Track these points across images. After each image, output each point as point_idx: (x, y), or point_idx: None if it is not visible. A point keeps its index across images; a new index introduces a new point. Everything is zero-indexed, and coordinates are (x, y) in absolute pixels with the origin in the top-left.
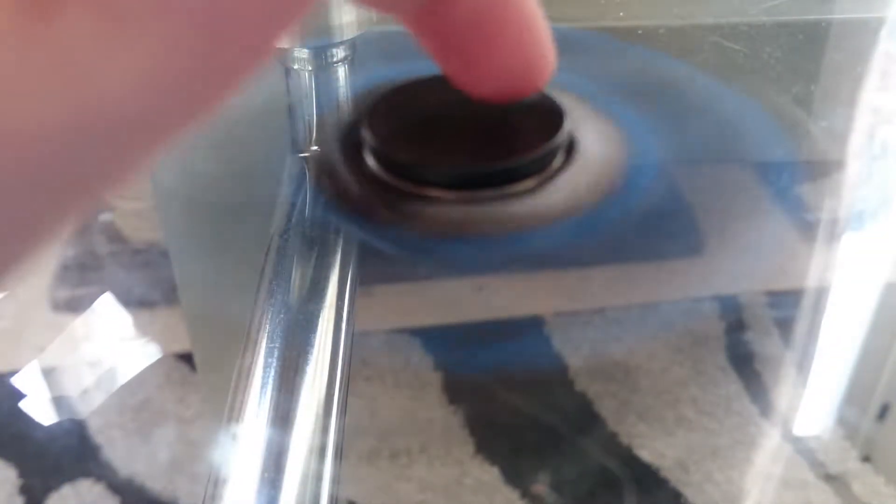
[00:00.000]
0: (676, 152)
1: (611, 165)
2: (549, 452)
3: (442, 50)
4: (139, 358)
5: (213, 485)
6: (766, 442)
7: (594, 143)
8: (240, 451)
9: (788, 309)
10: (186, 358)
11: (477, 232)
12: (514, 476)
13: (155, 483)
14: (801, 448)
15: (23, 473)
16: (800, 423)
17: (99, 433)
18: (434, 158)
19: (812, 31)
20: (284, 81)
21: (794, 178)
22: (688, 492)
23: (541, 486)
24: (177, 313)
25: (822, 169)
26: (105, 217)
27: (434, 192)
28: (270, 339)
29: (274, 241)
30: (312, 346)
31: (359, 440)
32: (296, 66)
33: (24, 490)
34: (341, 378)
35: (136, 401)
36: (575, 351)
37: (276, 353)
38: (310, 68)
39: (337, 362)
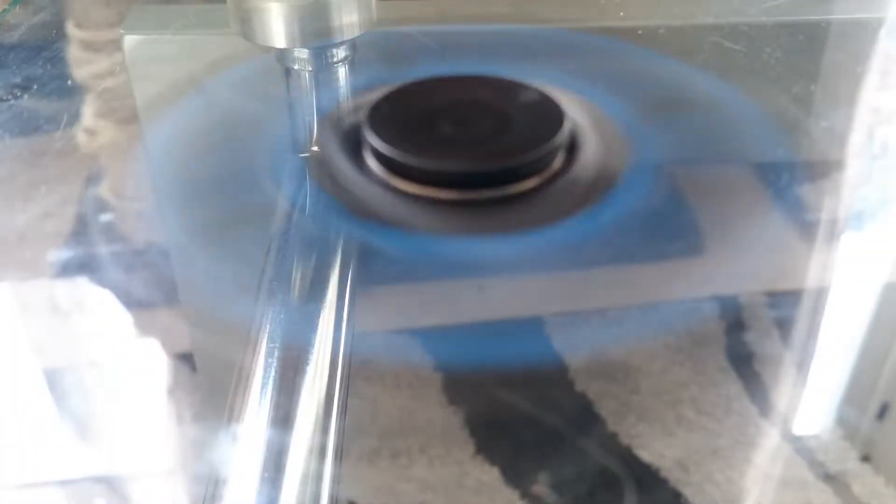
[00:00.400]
0: (676, 152)
1: (611, 166)
2: (549, 453)
3: None
4: (139, 358)
5: (214, 485)
6: (766, 442)
7: (595, 143)
8: (240, 451)
9: (788, 309)
10: (187, 358)
11: (477, 232)
12: (515, 476)
13: (155, 483)
14: (801, 448)
15: None
16: (799, 423)
17: (98, 433)
18: (435, 159)
19: (812, 32)
20: (284, 82)
21: (794, 178)
22: (687, 492)
23: (541, 487)
24: (177, 313)
25: (822, 169)
26: (105, 217)
27: (434, 193)
28: (270, 339)
29: (274, 242)
30: (312, 346)
31: (359, 440)
32: (296, 67)
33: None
34: (341, 378)
35: (136, 401)
36: (575, 351)
37: (276, 353)
38: (310, 69)
39: (337, 362)
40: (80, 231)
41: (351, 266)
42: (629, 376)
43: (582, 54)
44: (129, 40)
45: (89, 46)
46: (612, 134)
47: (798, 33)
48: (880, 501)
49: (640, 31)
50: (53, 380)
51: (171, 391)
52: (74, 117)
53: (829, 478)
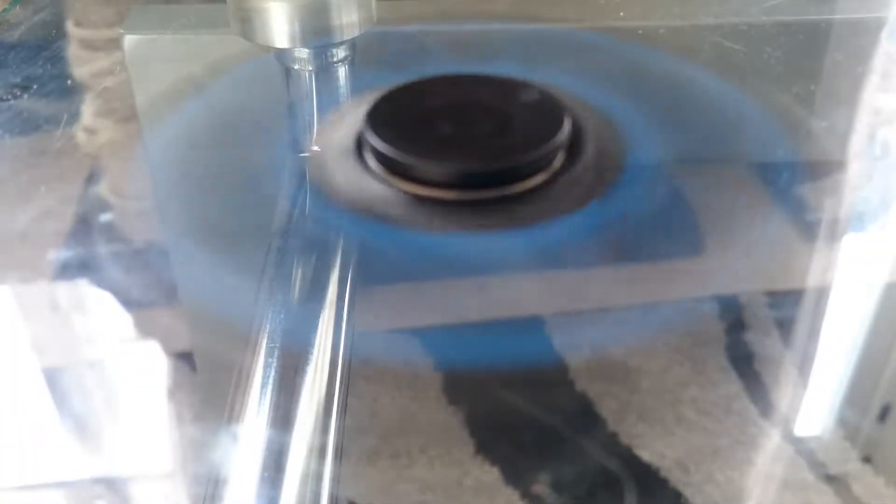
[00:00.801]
0: (676, 151)
1: (610, 165)
2: (549, 453)
3: None
4: (139, 358)
5: (214, 485)
6: (766, 442)
7: (595, 142)
8: (240, 451)
9: (789, 309)
10: (187, 358)
11: (477, 231)
12: (515, 476)
13: (155, 484)
14: (802, 449)
15: None
16: (800, 424)
17: (98, 434)
18: (435, 158)
19: (812, 32)
20: (284, 82)
21: (795, 178)
22: (688, 492)
23: (541, 487)
24: (177, 313)
25: (823, 169)
26: (105, 217)
27: (435, 193)
28: (270, 339)
29: (274, 242)
30: (312, 346)
31: (359, 440)
32: (296, 67)
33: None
34: (341, 378)
35: (136, 401)
36: (575, 351)
37: (276, 353)
38: (310, 68)
39: (337, 362)
40: (80, 230)
41: (351, 266)
42: (629, 376)
43: (581, 53)
44: (130, 40)
45: (89, 45)
46: (612, 133)
47: (798, 33)
48: (881, 502)
49: (640, 31)
50: (53, 380)
51: (171, 391)
52: (74, 117)
53: (830, 478)
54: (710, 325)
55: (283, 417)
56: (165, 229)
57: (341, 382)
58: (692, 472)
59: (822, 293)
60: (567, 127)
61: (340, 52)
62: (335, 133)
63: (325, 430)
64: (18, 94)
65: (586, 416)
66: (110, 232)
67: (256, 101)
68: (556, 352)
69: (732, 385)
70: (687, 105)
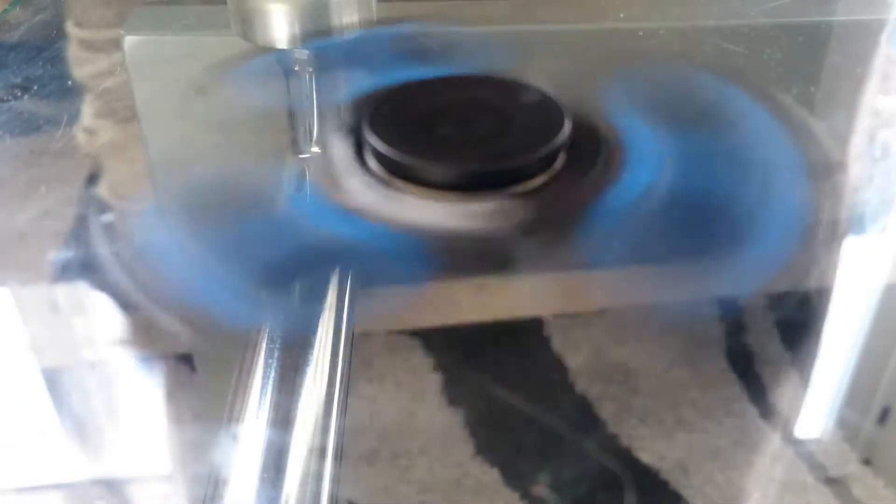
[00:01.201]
0: (675, 153)
1: (610, 166)
2: (549, 454)
3: None
4: (139, 359)
5: (214, 485)
6: (766, 444)
7: (595, 144)
8: (240, 451)
9: (789, 311)
10: (186, 359)
11: (477, 232)
12: (514, 477)
13: (155, 484)
14: (801, 451)
15: None
16: (800, 426)
17: (98, 435)
18: (435, 160)
19: (812, 33)
20: (284, 83)
21: (795, 180)
22: (688, 494)
23: (541, 488)
24: (176, 315)
25: (823, 171)
26: (104, 217)
27: (435, 193)
28: (270, 340)
29: (274, 243)
30: (312, 346)
31: (358, 441)
32: (296, 68)
33: None
34: (341, 378)
35: (136, 402)
36: (575, 352)
37: (275, 354)
38: (310, 69)
39: (337, 362)
40: (80, 231)
41: (350, 267)
42: (629, 378)
43: (582, 54)
44: (130, 41)
45: (89, 46)
46: (611, 134)
47: (798, 35)
48: None
49: (640, 33)
50: (52, 380)
51: (171, 393)
52: (74, 117)
53: (830, 481)
54: (710, 327)
55: (283, 418)
56: (165, 230)
57: (341, 383)
58: (692, 473)
59: (823, 295)
60: (567, 128)
61: (341, 53)
62: (335, 134)
63: (325, 430)
64: (19, 94)
65: (586, 417)
66: (109, 232)
67: (256, 102)
68: (556, 353)
69: (732, 387)
70: (687, 106)
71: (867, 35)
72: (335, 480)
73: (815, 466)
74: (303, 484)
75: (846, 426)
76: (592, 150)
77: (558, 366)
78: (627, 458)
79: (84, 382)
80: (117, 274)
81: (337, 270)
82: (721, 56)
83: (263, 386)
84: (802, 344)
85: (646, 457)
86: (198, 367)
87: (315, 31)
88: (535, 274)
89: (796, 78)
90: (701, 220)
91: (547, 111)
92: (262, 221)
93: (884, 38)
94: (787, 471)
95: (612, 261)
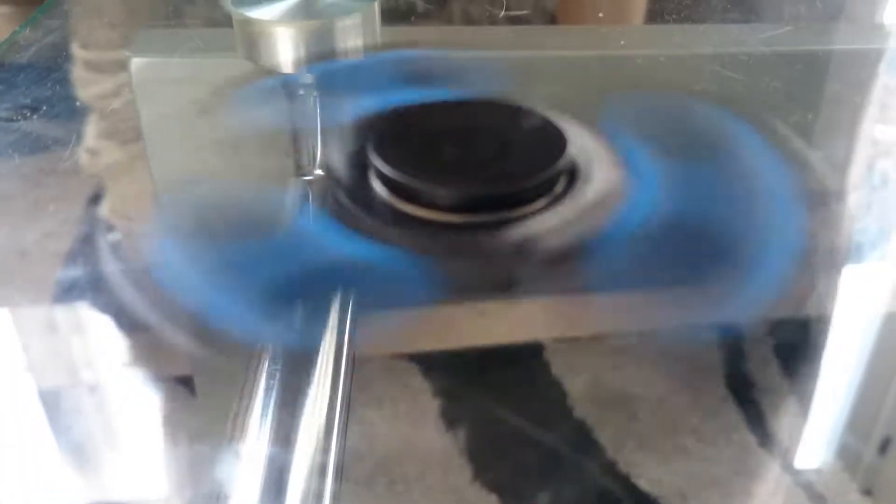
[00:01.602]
0: (676, 179)
1: (611, 192)
2: (547, 480)
3: None
4: (139, 380)
5: (216, 500)
6: (766, 473)
7: (596, 169)
8: (241, 471)
9: (788, 338)
10: (187, 381)
11: (477, 255)
12: (512, 503)
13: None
14: (801, 480)
15: None
16: (800, 455)
17: (97, 456)
18: (438, 182)
19: (811, 62)
20: (289, 105)
21: (794, 208)
22: None
23: None
24: (178, 336)
25: (822, 199)
26: (107, 238)
27: (437, 216)
28: (272, 361)
29: (276, 265)
30: (314, 368)
31: (356, 467)
32: (301, 91)
33: None
34: (342, 402)
35: (135, 424)
36: (574, 378)
37: (277, 375)
38: (315, 93)
39: (338, 384)
40: (81, 251)
41: (352, 288)
42: (628, 403)
43: (583, 81)
44: (137, 63)
45: (94, 67)
46: (612, 160)
47: (797, 63)
48: None
49: (639, 60)
50: (51, 401)
51: (170, 414)
52: (82, 138)
53: None
54: (710, 354)
55: (284, 439)
56: (167, 251)
57: (342, 406)
58: (690, 500)
59: (822, 323)
60: (569, 152)
61: (344, 77)
62: (338, 156)
63: (325, 450)
64: (28, 114)
65: (585, 442)
66: (111, 253)
67: (261, 124)
68: (555, 378)
69: (732, 414)
70: (686, 133)
71: (866, 64)
72: (336, 498)
73: (815, 496)
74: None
75: (846, 455)
76: (593, 175)
77: (558, 391)
78: (626, 485)
79: (82, 403)
80: (118, 294)
81: (339, 292)
82: (720, 84)
83: (265, 407)
84: (802, 372)
85: (644, 483)
86: (198, 389)
87: (320, 55)
88: (535, 298)
89: (795, 106)
90: (700, 246)
91: (548, 136)
92: (265, 243)
93: (882, 67)
94: (787, 500)
95: (612, 286)
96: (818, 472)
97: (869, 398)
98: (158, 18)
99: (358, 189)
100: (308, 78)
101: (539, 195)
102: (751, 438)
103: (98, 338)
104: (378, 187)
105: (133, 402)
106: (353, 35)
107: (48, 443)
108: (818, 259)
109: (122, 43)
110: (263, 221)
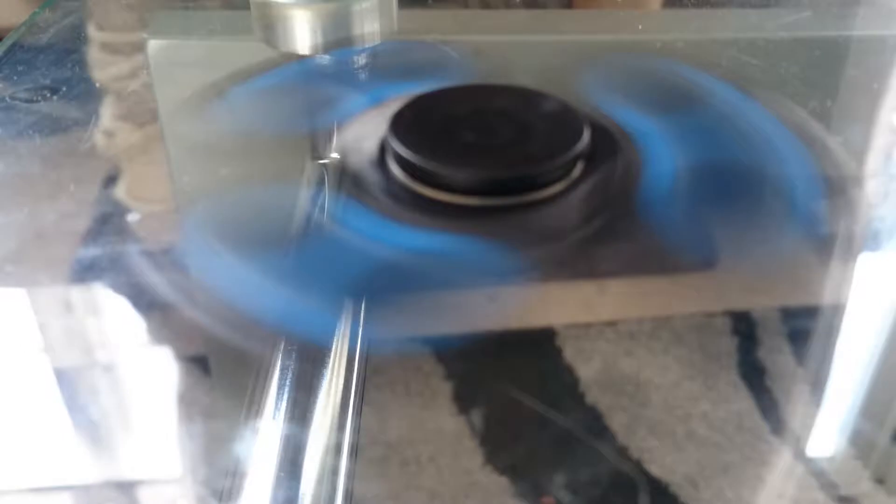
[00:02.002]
0: (691, 163)
1: (628, 176)
2: (558, 464)
3: None
4: (157, 360)
5: (231, 482)
6: (777, 460)
7: (613, 153)
8: (257, 450)
9: (802, 325)
10: (203, 360)
11: (493, 238)
12: (523, 487)
13: (171, 482)
14: (813, 468)
15: None
16: (812, 443)
17: (115, 435)
18: (455, 165)
19: (830, 48)
20: (306, 88)
21: (810, 193)
22: None
23: (550, 499)
24: (195, 316)
25: (839, 185)
26: (123, 219)
27: (454, 198)
28: (288, 343)
29: (293, 246)
30: (329, 348)
31: (368, 448)
32: (317, 73)
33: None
34: (356, 383)
35: (150, 403)
36: (587, 363)
37: (293, 356)
38: (331, 75)
39: (353, 367)
40: (97, 232)
41: (368, 271)
42: (640, 390)
43: (599, 65)
44: (154, 45)
45: (111, 49)
46: (629, 144)
47: (816, 49)
48: None
49: (658, 45)
50: (67, 380)
51: (186, 393)
52: (98, 119)
53: (842, 499)
54: (723, 341)
55: (299, 418)
56: (183, 233)
57: (356, 387)
58: (702, 488)
59: (836, 310)
60: (586, 136)
61: (361, 61)
62: (355, 140)
63: (340, 428)
64: (48, 95)
65: (596, 428)
66: (126, 234)
67: (278, 107)
68: (567, 364)
69: (744, 401)
70: (704, 118)
71: (885, 50)
72: (350, 477)
73: (827, 484)
74: (318, 483)
75: (859, 444)
76: (610, 160)
77: (570, 376)
78: (637, 471)
79: (99, 382)
80: (134, 274)
81: (354, 274)
82: (738, 68)
83: (280, 386)
84: (815, 359)
85: (655, 469)
86: (215, 369)
87: (337, 39)
88: (547, 283)
89: (813, 91)
90: (715, 232)
91: (565, 120)
92: (281, 225)
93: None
94: (799, 488)
95: (626, 272)
96: (830, 459)
97: (882, 386)
98: (175, 0)
99: (374, 171)
100: (324, 61)
101: (556, 179)
102: (763, 426)
103: (115, 318)
104: (395, 169)
105: (149, 381)
106: (370, 18)
107: (65, 421)
108: (833, 246)
109: (138, 25)
110: (278, 204)
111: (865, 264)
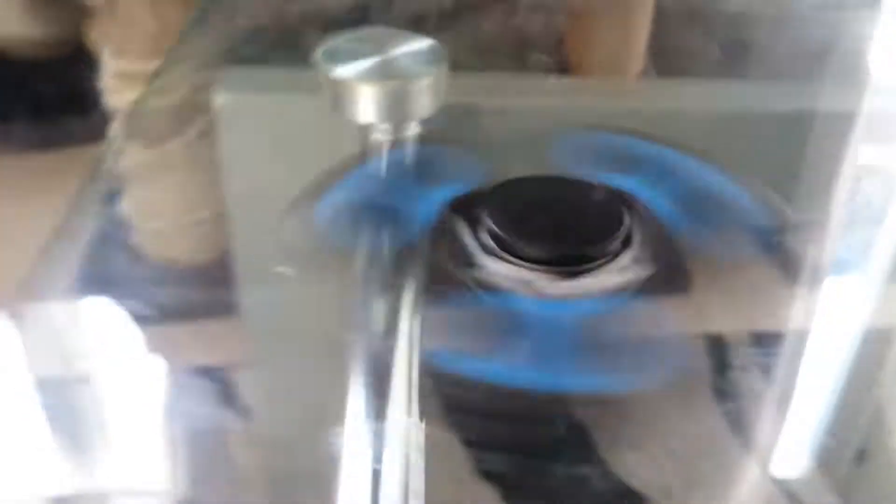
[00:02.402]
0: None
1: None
2: (545, 476)
3: None
4: (154, 372)
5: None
6: (747, 476)
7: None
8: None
9: (771, 350)
10: (207, 371)
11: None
12: (511, 498)
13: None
14: (780, 484)
15: None
16: (779, 459)
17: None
18: (527, 240)
19: (795, 122)
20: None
21: (780, 228)
22: None
23: None
24: (193, 329)
25: (806, 219)
26: (126, 237)
27: (522, 267)
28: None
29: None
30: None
31: None
32: (378, 136)
33: None
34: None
35: (152, 414)
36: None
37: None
38: (388, 139)
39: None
40: (100, 246)
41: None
42: (622, 406)
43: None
44: (223, 98)
45: (126, 76)
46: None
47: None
48: None
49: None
50: (66, 392)
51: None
52: (107, 138)
53: None
54: (699, 362)
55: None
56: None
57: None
58: (675, 498)
59: (804, 337)
60: (627, 222)
61: (413, 129)
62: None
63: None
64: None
65: (581, 443)
66: (130, 251)
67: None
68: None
69: (717, 420)
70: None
71: (850, 125)
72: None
73: (794, 499)
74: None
75: (824, 460)
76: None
77: (555, 392)
78: (617, 483)
79: (99, 395)
80: (136, 291)
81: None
82: (707, 140)
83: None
84: (783, 380)
85: (634, 482)
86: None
87: (395, 113)
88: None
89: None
90: (690, 259)
91: (608, 204)
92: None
93: (862, 127)
94: (767, 502)
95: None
96: (797, 475)
97: (846, 406)
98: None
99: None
100: (384, 125)
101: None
102: (734, 445)
103: (114, 330)
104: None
105: (149, 392)
106: (427, 94)
107: (61, 433)
108: (802, 274)
109: (153, 53)
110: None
111: (831, 294)
